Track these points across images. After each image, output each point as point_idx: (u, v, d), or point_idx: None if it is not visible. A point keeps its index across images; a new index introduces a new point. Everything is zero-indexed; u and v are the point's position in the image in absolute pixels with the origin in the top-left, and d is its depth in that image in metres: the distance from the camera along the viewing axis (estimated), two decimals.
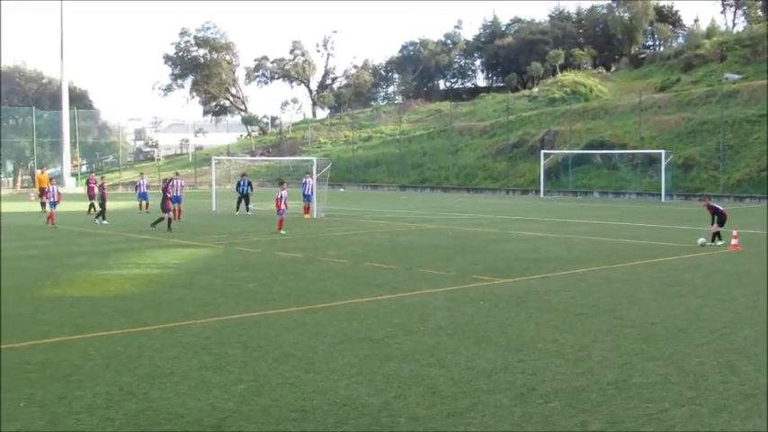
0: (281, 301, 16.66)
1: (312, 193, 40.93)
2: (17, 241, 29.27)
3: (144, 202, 45.17)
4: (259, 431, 8.71)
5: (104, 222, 36.15)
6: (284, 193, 32.22)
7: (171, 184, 35.36)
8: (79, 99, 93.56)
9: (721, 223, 26.47)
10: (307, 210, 40.65)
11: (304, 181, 41.78)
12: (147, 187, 47.32)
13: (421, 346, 12.50)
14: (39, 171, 57.80)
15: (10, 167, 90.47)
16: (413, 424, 8.89)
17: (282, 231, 30.87)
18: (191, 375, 10.85)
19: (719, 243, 25.98)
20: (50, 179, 39.61)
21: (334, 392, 10.06)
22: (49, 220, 35.62)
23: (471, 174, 73.62)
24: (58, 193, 37.17)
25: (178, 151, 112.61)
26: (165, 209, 33.34)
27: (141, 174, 50.66)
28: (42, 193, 47.08)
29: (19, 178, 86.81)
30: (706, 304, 16.07)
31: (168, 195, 33.70)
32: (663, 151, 57.84)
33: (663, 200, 55.98)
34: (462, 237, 30.03)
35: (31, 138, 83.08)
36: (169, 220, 33.40)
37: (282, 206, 31.86)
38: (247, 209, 42.41)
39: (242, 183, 43.09)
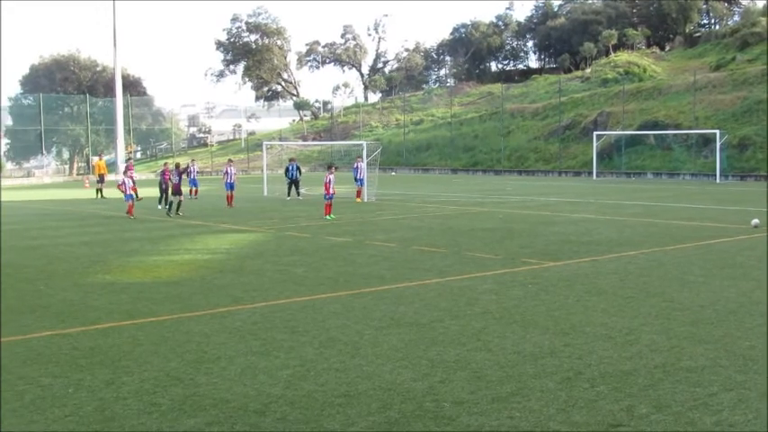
0: (330, 285, 16.70)
1: (363, 176, 40.93)
2: (70, 228, 29.65)
3: (194, 189, 45.49)
4: (303, 416, 8.74)
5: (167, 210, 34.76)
6: (332, 177, 31.90)
7: (187, 169, 35.84)
8: (133, 86, 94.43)
9: None
10: (359, 194, 40.69)
11: (356, 165, 41.78)
12: (198, 173, 47.77)
13: (467, 330, 12.46)
14: (96, 158, 58.01)
15: (66, 155, 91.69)
16: (457, 408, 8.86)
17: (329, 216, 30.78)
18: (237, 360, 10.91)
19: None
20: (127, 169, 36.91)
21: (379, 377, 10.06)
22: (128, 213, 33.50)
23: (523, 156, 73.23)
24: (133, 184, 34.08)
25: (231, 137, 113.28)
26: (176, 191, 34.06)
27: (192, 160, 51.06)
28: (101, 179, 47.53)
29: (75, 165, 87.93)
30: (758, 287, 15.82)
31: (176, 180, 34.16)
32: (717, 131, 57.06)
33: (717, 180, 55.26)
34: (512, 220, 29.87)
35: (86, 125, 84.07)
36: (178, 203, 34.04)
37: (331, 190, 31.55)
38: (298, 193, 42.61)
39: (291, 168, 43.26)
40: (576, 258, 19.91)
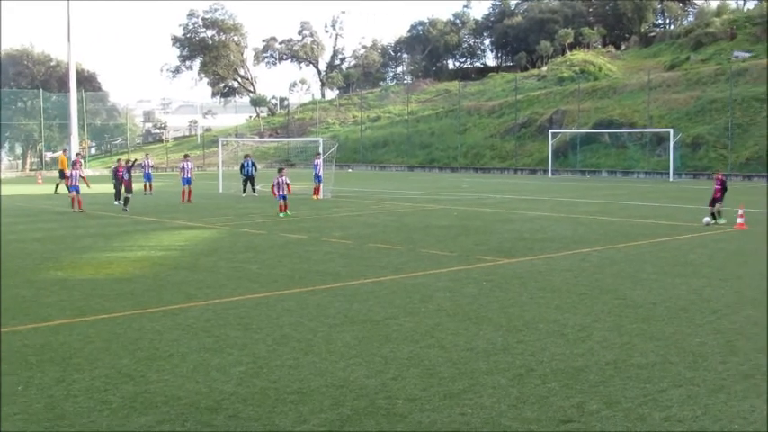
0: (284, 282, 16.66)
1: (320, 173, 40.78)
2: (23, 224, 29.32)
3: (148, 183, 45.15)
4: (255, 413, 8.71)
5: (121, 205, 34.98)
6: (282, 179, 31.63)
7: (133, 165, 36.19)
8: (87, 81, 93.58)
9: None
10: (316, 191, 40.54)
11: (315, 162, 41.54)
12: (152, 168, 47.45)
13: (421, 327, 12.48)
14: (60, 152, 57.08)
15: (19, 150, 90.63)
16: (409, 405, 8.88)
17: (283, 214, 30.51)
18: (190, 357, 10.86)
19: (722, 222, 25.89)
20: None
21: (333, 374, 10.05)
22: (77, 206, 34.30)
23: (479, 153, 73.52)
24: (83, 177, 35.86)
25: (187, 133, 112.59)
26: (127, 188, 34.57)
27: (146, 155, 50.63)
28: (63, 175, 46.29)
29: (28, 161, 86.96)
30: (709, 284, 16.02)
31: (126, 177, 34.82)
32: (671, 130, 57.66)
33: (671, 179, 55.83)
34: (468, 217, 29.98)
35: (40, 120, 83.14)
36: (125, 200, 34.37)
37: (280, 191, 31.26)
38: (253, 189, 42.42)
39: (246, 164, 43.07)
40: (531, 255, 20.03)
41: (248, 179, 42.70)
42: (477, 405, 8.85)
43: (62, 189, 43.22)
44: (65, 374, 10.18)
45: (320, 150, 42.27)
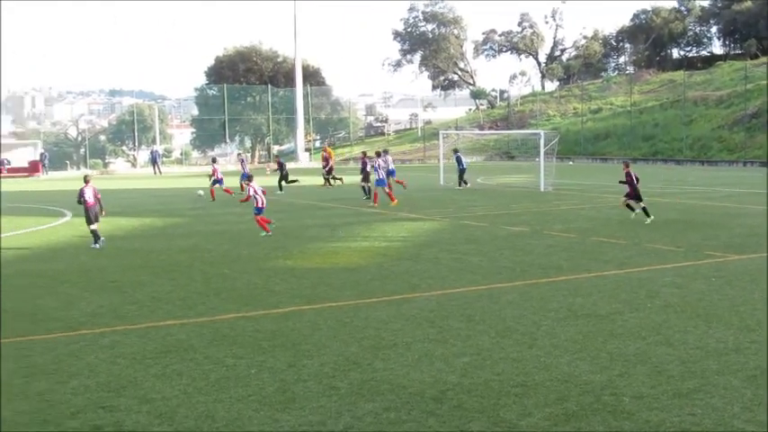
0: (506, 274, 16.64)
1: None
2: (251, 214, 30.47)
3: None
4: (479, 405, 8.75)
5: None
6: (381, 162, 33.22)
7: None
8: (312, 76, 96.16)
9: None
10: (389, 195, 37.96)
11: (376, 162, 35.77)
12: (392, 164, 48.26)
13: (647, 323, 12.19)
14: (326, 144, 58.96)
15: (248, 143, 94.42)
16: (637, 403, 8.70)
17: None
18: (414, 347, 11.02)
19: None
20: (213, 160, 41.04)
21: (557, 368, 9.97)
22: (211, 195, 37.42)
23: (706, 146, 70.84)
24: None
25: (407, 126, 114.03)
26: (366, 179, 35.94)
27: (385, 150, 51.50)
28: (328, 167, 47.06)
29: (256, 153, 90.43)
30: None
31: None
32: None
33: None
34: (694, 211, 28.98)
35: (267, 114, 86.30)
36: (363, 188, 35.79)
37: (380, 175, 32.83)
38: (460, 183, 42.38)
39: (457, 158, 43.10)
40: (762, 252, 19.12)
41: (461, 172, 42.73)
42: (708, 406, 8.57)
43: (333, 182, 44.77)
44: (295, 360, 10.55)
45: (540, 143, 41.73)
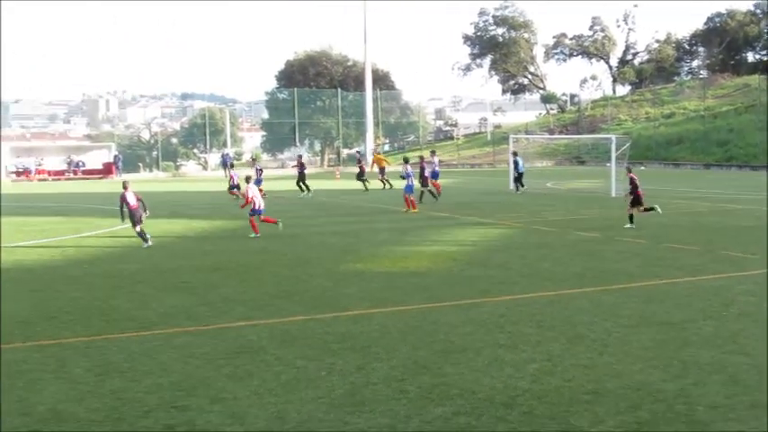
0: (576, 281, 16.50)
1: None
2: (323, 218, 30.71)
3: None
4: (550, 411, 8.68)
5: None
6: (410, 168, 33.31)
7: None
8: (382, 80, 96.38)
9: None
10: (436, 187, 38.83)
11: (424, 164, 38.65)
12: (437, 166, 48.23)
13: (722, 332, 11.98)
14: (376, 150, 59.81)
15: (317, 147, 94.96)
16: (711, 413, 8.56)
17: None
18: (484, 352, 10.98)
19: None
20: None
21: (629, 376, 9.85)
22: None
23: None
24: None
25: (477, 130, 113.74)
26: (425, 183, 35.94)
27: (432, 152, 51.48)
28: (382, 171, 47.68)
29: (326, 157, 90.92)
30: None
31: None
32: None
33: None
34: None
35: (337, 118, 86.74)
36: (420, 194, 35.39)
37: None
38: (517, 187, 42.16)
39: (515, 162, 42.94)
40: None
41: (518, 176, 42.56)
42: None
43: (374, 185, 44.91)
44: (364, 363, 10.57)
45: (611, 148, 41.25)
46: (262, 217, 24.68)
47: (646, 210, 25.89)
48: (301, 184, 42.31)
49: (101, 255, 21.68)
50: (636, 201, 25.49)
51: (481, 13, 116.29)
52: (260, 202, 24.58)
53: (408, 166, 33.46)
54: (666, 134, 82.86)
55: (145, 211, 23.13)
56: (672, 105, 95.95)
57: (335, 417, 8.64)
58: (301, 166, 44.12)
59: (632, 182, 25.59)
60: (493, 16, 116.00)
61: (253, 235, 24.22)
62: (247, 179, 25.86)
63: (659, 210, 26.15)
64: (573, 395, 9.18)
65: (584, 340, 11.57)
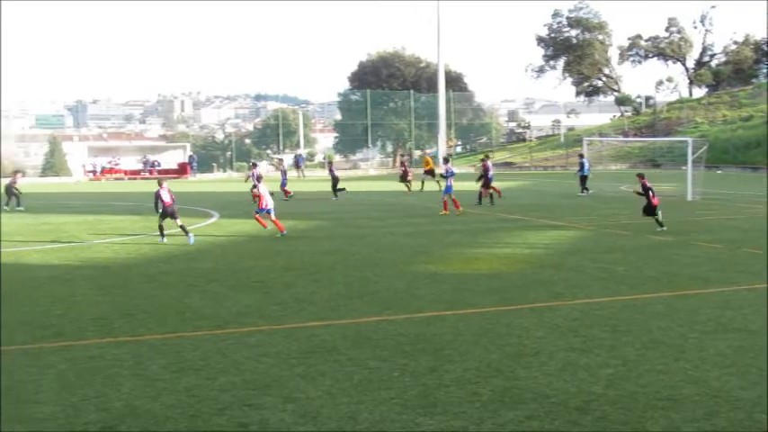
0: (652, 285, 16.29)
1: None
2: (394, 219, 30.75)
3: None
4: (625, 417, 8.58)
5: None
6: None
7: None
8: (454, 82, 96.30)
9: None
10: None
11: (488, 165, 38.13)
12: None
13: None
14: (419, 152, 59.98)
15: (389, 148, 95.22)
16: None
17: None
18: (557, 356, 10.89)
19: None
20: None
21: (705, 383, 9.70)
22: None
23: None
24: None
25: (550, 132, 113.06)
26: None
27: (485, 157, 51.30)
28: (432, 174, 47.97)
29: (398, 158, 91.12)
30: None
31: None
32: None
33: None
34: None
35: (410, 120, 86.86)
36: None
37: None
38: (582, 189, 41.79)
39: (582, 163, 42.57)
40: None
41: (583, 178, 42.21)
42: None
43: (429, 186, 44.91)
44: (437, 364, 10.56)
45: (687, 152, 40.67)
46: (272, 218, 25.35)
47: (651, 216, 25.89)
48: (334, 189, 42.42)
49: (176, 253, 21.98)
50: (648, 208, 25.73)
51: (555, 15, 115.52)
52: (267, 202, 25.33)
53: (449, 165, 33.11)
54: (744, 137, 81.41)
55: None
56: (750, 108, 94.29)
57: (408, 418, 8.64)
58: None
59: (644, 188, 25.36)
60: (567, 18, 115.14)
61: (279, 234, 25.02)
62: (259, 179, 27.00)
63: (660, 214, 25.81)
64: (648, 401, 9.06)
65: (660, 345, 11.42)
